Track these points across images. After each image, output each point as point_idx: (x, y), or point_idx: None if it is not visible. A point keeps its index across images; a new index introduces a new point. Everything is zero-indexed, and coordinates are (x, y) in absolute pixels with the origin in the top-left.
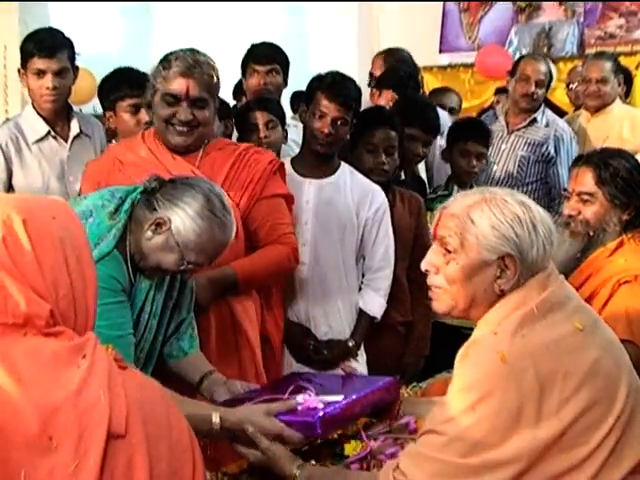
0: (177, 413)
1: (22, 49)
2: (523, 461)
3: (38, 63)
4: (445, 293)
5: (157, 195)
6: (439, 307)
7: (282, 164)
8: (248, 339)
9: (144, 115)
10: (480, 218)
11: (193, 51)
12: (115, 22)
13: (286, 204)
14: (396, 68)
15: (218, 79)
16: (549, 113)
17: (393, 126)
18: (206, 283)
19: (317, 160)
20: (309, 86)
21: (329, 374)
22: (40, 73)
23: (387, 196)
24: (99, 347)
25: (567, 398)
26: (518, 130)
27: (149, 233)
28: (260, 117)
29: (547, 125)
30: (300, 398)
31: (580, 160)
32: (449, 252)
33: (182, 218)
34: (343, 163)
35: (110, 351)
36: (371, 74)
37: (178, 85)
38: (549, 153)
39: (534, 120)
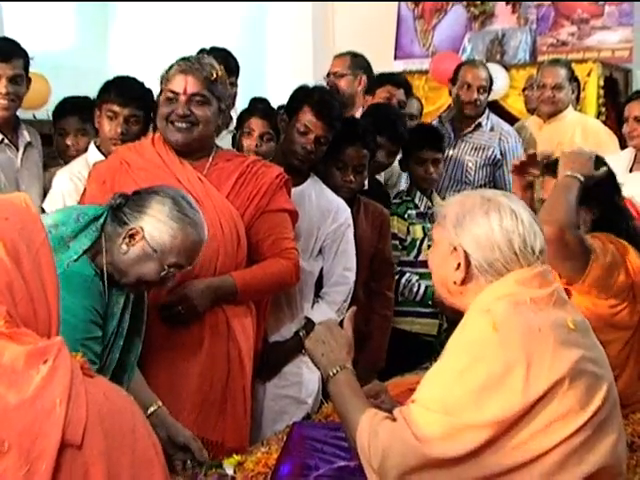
0: (144, 424)
1: None
2: (494, 429)
3: None
4: (434, 281)
5: (124, 209)
6: (437, 294)
7: (288, 179)
8: (240, 352)
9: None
10: (457, 211)
11: (199, 56)
12: (69, 21)
13: (290, 220)
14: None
15: (222, 79)
16: (493, 117)
17: (365, 143)
18: (204, 289)
19: (287, 169)
20: (294, 97)
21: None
22: None
23: (352, 206)
24: (64, 353)
25: (550, 387)
26: (465, 135)
27: (124, 247)
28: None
29: (492, 129)
30: None
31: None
32: (434, 241)
33: (154, 224)
34: (312, 174)
35: (78, 358)
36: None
37: (177, 82)
38: (495, 156)
39: (479, 125)
